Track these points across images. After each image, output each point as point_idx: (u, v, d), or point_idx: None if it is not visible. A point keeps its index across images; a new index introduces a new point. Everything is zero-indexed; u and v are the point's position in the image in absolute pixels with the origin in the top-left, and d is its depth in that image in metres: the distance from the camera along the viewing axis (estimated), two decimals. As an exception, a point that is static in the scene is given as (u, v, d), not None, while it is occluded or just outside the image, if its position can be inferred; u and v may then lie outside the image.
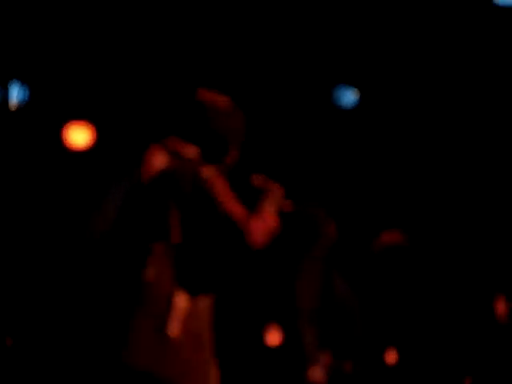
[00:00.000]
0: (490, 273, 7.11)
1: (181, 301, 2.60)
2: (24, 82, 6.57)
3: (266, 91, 6.75)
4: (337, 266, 4.41)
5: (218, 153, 2.82)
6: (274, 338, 3.79)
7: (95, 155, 6.66)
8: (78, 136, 6.64)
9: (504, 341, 6.63)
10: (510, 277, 6.99)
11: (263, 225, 2.61)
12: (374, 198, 7.12)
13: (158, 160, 2.71)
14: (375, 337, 4.56)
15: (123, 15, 6.19)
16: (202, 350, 2.65)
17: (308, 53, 6.51)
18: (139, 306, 2.60)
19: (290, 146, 6.94)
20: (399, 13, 6.18)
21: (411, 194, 7.13)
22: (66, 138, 6.65)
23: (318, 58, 6.55)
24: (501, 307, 6.80)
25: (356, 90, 6.83)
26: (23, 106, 6.58)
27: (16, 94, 6.55)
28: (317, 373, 3.67)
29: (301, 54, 6.51)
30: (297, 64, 6.58)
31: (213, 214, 2.60)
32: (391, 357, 7.33)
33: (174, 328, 2.57)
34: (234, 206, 2.61)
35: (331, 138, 7.02)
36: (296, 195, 3.12)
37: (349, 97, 6.85)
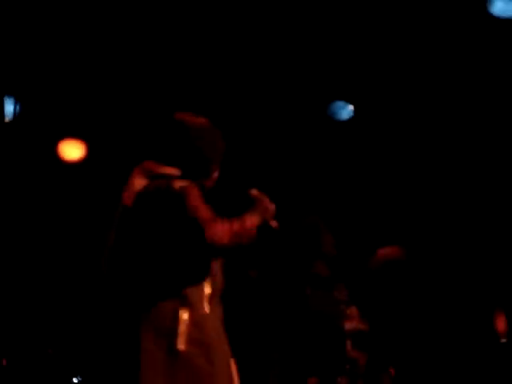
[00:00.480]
0: (490, 288, 7.05)
1: (183, 313, 2.73)
2: (17, 98, 6.55)
3: (262, 106, 6.72)
4: (337, 279, 4.36)
5: (200, 171, 3.01)
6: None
7: (87, 168, 6.66)
8: (71, 150, 6.62)
9: (504, 357, 6.56)
10: (509, 293, 6.93)
11: (226, 227, 2.78)
12: (372, 212, 7.07)
13: (138, 183, 2.90)
14: (373, 353, 4.49)
15: (114, 40, 6.17)
16: (214, 359, 2.75)
17: (303, 68, 6.48)
18: (145, 327, 2.74)
19: (288, 160, 6.91)
20: (393, 26, 6.14)
21: (409, 207, 7.08)
22: (58, 151, 6.64)
23: (314, 73, 6.52)
24: (501, 324, 6.73)
25: (351, 104, 6.80)
26: (16, 121, 6.55)
27: (10, 110, 6.53)
28: None
29: (296, 69, 6.48)
30: (292, 79, 6.55)
31: (184, 218, 2.77)
32: (390, 373, 7.23)
33: (183, 341, 2.70)
34: (202, 209, 2.78)
35: (328, 152, 6.99)
36: (295, 209, 3.17)
37: (344, 110, 6.82)
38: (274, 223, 3.02)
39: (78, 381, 5.82)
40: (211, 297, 2.85)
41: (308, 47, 6.29)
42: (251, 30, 6.15)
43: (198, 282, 2.81)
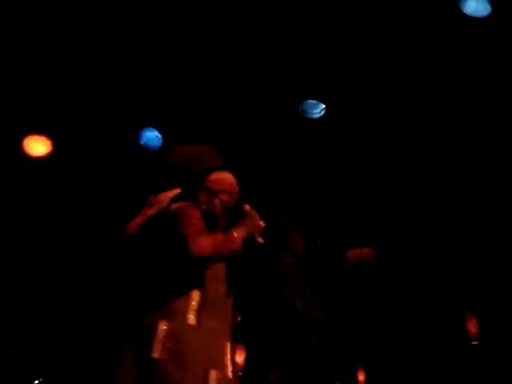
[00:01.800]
0: (461, 291, 7.05)
1: (161, 324, 2.89)
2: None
3: (233, 105, 6.68)
4: (308, 282, 4.30)
5: (190, 183, 3.23)
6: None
7: (53, 163, 6.60)
8: (36, 145, 6.56)
9: (475, 357, 6.57)
10: (480, 294, 6.93)
11: (209, 241, 2.96)
12: (345, 212, 7.06)
13: (143, 216, 3.17)
14: (345, 354, 4.44)
15: (82, 34, 6.08)
16: (185, 367, 2.86)
17: (275, 66, 6.45)
18: (127, 338, 2.93)
19: (258, 159, 6.89)
20: (365, 25, 6.12)
21: (380, 208, 7.07)
22: (24, 146, 6.57)
23: (285, 72, 6.50)
24: (472, 326, 6.73)
25: (323, 103, 6.78)
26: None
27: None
28: None
29: (268, 68, 6.45)
30: (264, 78, 6.52)
31: (172, 234, 2.98)
32: (361, 375, 7.20)
33: (157, 349, 2.85)
34: (191, 225, 2.97)
35: (299, 151, 6.98)
36: (267, 210, 3.31)
37: (315, 109, 6.80)
38: (260, 239, 3.21)
39: (40, 383, 5.72)
40: (200, 308, 2.98)
41: (280, 46, 6.26)
42: (224, 28, 6.11)
43: (181, 295, 2.96)
